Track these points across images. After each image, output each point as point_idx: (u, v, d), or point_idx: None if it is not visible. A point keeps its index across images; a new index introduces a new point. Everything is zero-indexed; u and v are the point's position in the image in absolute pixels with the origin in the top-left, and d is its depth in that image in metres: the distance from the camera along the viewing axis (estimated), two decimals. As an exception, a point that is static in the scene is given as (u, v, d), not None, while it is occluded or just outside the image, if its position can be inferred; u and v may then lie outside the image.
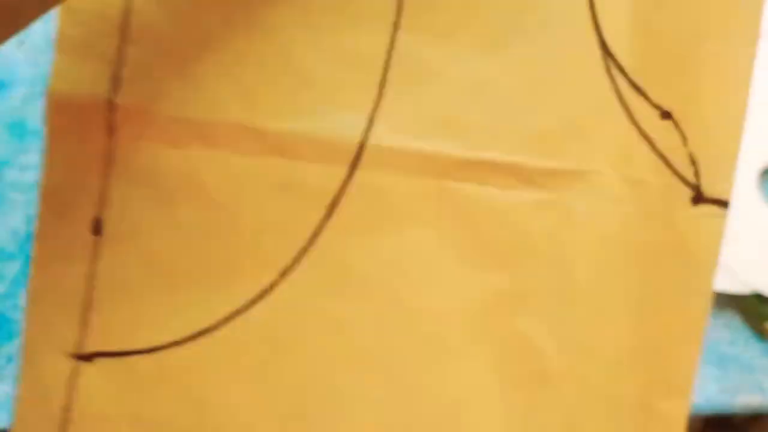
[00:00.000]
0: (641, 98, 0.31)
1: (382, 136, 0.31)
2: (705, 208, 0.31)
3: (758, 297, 0.49)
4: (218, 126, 0.31)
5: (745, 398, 0.47)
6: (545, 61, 0.31)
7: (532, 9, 0.31)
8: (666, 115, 0.31)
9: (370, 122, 0.31)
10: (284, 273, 0.31)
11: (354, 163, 0.31)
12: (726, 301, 0.49)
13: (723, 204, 0.31)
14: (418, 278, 0.31)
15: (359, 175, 0.31)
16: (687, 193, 0.31)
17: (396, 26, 0.32)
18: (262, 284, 0.31)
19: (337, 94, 0.31)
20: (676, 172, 0.31)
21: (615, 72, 0.31)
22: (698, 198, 0.31)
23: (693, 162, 0.31)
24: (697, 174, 0.31)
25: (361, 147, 0.31)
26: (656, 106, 0.31)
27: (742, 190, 0.52)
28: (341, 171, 0.31)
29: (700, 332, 0.32)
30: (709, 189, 0.31)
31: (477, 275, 0.32)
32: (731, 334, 0.49)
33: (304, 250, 0.31)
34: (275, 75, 0.31)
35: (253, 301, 0.31)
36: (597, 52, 0.31)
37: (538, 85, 0.31)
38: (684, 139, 0.31)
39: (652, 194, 0.31)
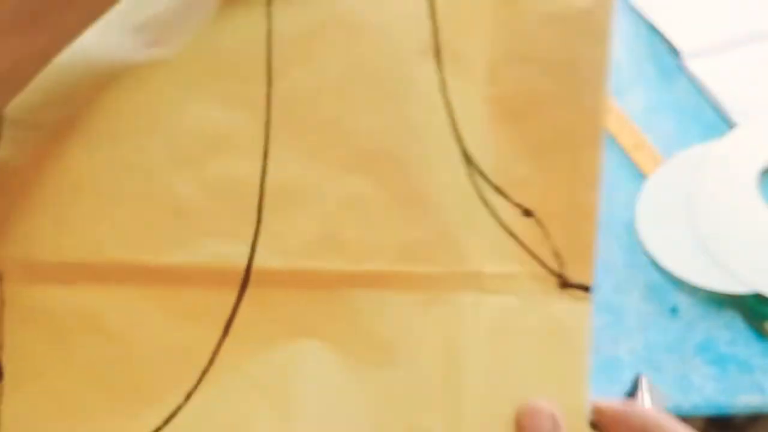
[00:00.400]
0: (502, 199, 0.32)
1: (266, 259, 0.32)
2: (572, 292, 0.33)
3: (758, 297, 0.49)
4: (99, 265, 0.31)
5: (745, 398, 0.47)
6: (412, 174, 0.32)
7: (395, 125, 0.33)
8: (527, 213, 0.32)
9: (253, 248, 0.32)
10: (188, 396, 0.32)
11: (243, 285, 0.32)
12: (726, 301, 0.49)
13: (586, 288, 0.33)
14: (314, 385, 0.32)
15: (250, 293, 0.32)
16: (554, 282, 0.33)
17: (266, 151, 0.32)
18: (169, 408, 0.31)
19: (216, 223, 0.32)
20: (542, 263, 0.32)
21: (477, 178, 0.32)
22: (564, 284, 0.33)
23: (556, 254, 0.32)
24: (561, 264, 0.32)
25: (248, 271, 0.32)
26: (518, 205, 0.32)
27: (742, 190, 0.52)
28: (232, 292, 0.32)
29: (583, 420, 0.33)
30: (573, 276, 0.33)
31: (371, 374, 0.32)
32: (731, 334, 0.49)
33: (205, 371, 0.32)
34: (149, 210, 0.32)
35: (160, 428, 0.31)
36: (459, 160, 0.32)
37: (407, 197, 0.32)
38: (547, 234, 0.32)
39: (524, 284, 0.33)
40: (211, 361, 0.32)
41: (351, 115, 0.33)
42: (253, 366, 0.32)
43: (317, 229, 0.32)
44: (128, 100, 0.32)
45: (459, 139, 0.33)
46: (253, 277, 0.32)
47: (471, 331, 0.32)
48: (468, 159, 0.33)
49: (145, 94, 0.32)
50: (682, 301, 0.48)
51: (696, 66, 0.58)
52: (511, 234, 0.33)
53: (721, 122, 0.56)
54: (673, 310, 0.48)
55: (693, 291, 0.47)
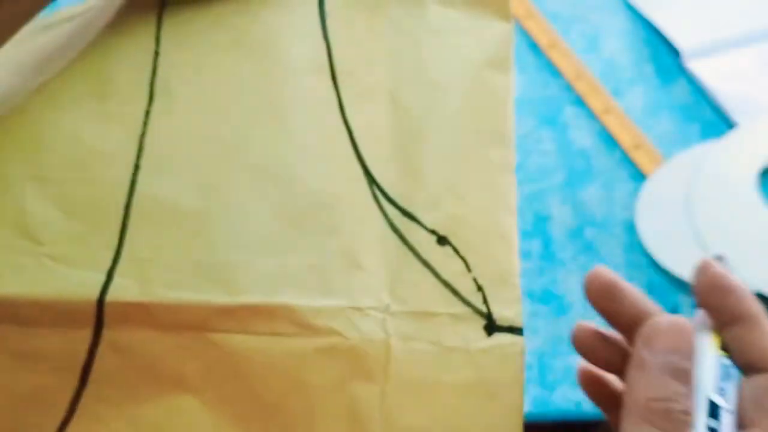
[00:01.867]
0: (414, 224, 0.29)
1: (123, 289, 0.28)
2: (500, 337, 0.28)
3: (758, 297, 0.49)
4: None
5: (745, 398, 0.47)
6: (306, 192, 0.29)
7: (286, 140, 0.30)
8: (442, 240, 0.29)
9: (110, 276, 0.28)
10: None
11: (98, 323, 0.28)
12: (726, 301, 0.49)
13: (517, 331, 0.28)
14: None
15: (108, 335, 0.28)
16: (479, 323, 0.28)
17: (137, 164, 0.30)
18: None
19: (71, 248, 0.29)
20: (465, 301, 0.28)
21: (383, 201, 0.29)
22: (491, 327, 0.28)
23: (480, 288, 0.28)
24: (485, 300, 0.28)
25: (100, 304, 0.28)
26: (431, 231, 0.29)
27: (742, 189, 0.52)
28: (86, 334, 0.28)
29: None
30: (500, 316, 0.28)
31: None
32: (731, 334, 0.49)
33: (65, 423, 0.28)
34: (0, 236, 0.29)
35: None
36: (362, 181, 0.30)
37: (299, 217, 0.29)
38: (466, 265, 0.29)
39: (444, 327, 0.28)
40: (70, 412, 0.28)
41: (236, 130, 0.31)
42: (120, 423, 0.27)
43: (189, 254, 0.28)
44: None
45: (360, 159, 0.30)
46: (109, 314, 0.28)
47: (377, 387, 0.27)
48: (372, 179, 0.30)
49: (16, 114, 0.31)
50: (682, 301, 0.47)
51: (696, 66, 0.58)
52: (426, 264, 0.29)
53: (721, 122, 0.56)
54: (674, 310, 0.48)
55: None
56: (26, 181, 0.30)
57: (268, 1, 0.33)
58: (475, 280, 0.29)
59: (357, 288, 0.28)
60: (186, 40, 0.33)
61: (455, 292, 0.28)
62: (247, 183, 0.30)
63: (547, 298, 0.48)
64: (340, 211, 0.29)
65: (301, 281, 0.28)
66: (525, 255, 0.50)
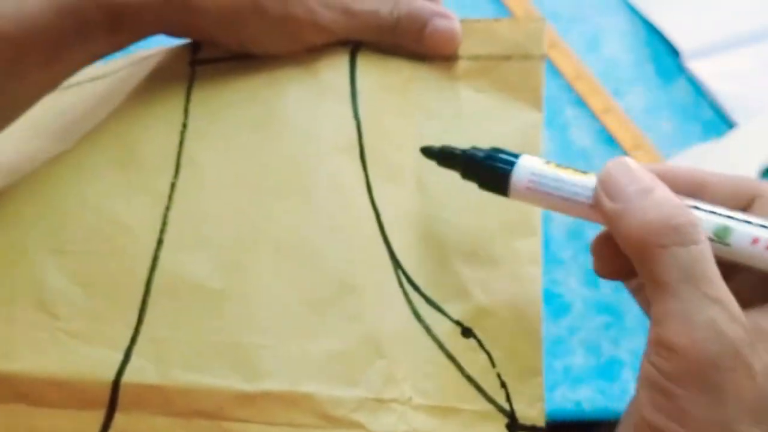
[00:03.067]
0: (439, 314, 0.28)
1: (140, 371, 0.27)
2: None
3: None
4: None
5: (745, 398, 0.47)
6: (331, 273, 0.28)
7: (312, 219, 0.29)
8: (467, 332, 0.28)
9: (127, 356, 0.27)
10: None
11: (111, 407, 0.27)
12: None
13: (539, 430, 0.27)
14: None
15: (118, 420, 0.27)
16: (502, 421, 0.27)
17: (161, 238, 0.29)
18: None
19: (89, 325, 0.28)
20: (488, 398, 0.27)
21: (408, 288, 0.29)
22: (514, 426, 0.27)
23: (503, 385, 0.27)
24: (509, 398, 0.27)
25: (116, 385, 0.27)
26: (456, 323, 0.28)
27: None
28: (98, 417, 0.27)
29: None
30: (522, 414, 0.27)
31: None
32: (731, 334, 0.49)
33: None
34: (17, 309, 0.28)
35: None
36: (389, 265, 0.29)
37: (324, 300, 0.28)
38: (491, 360, 0.28)
39: (466, 424, 0.27)
40: None
41: (262, 208, 0.30)
42: None
43: (210, 335, 0.27)
44: (20, 186, 0.30)
45: (387, 243, 0.29)
46: (123, 396, 0.27)
47: None
48: (398, 264, 0.29)
49: (38, 183, 0.30)
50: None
51: (696, 66, 0.58)
52: (450, 357, 0.28)
53: (721, 122, 0.56)
54: (673, 310, 0.48)
55: (693, 291, 0.47)
56: (46, 252, 0.29)
57: (298, 76, 0.33)
58: (499, 375, 0.28)
59: (380, 378, 0.27)
60: (215, 113, 0.32)
61: (479, 388, 0.28)
62: (270, 263, 0.29)
63: (547, 298, 0.48)
64: (365, 297, 0.28)
65: (323, 369, 0.27)
66: (525, 255, 0.50)
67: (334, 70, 0.33)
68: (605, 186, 0.25)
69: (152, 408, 0.27)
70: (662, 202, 0.23)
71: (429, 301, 0.29)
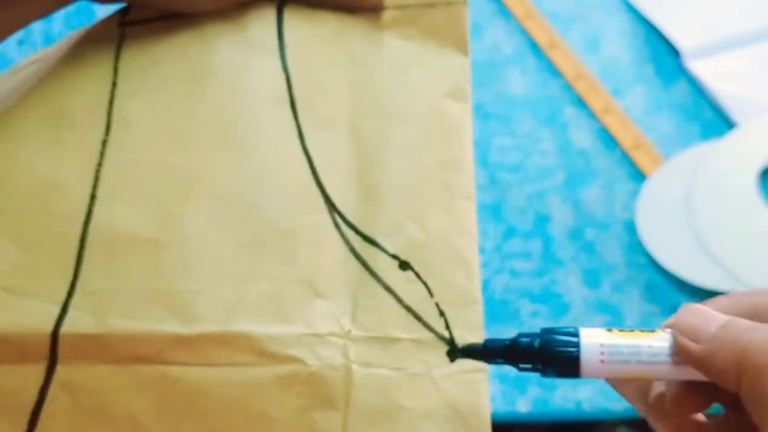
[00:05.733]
0: (375, 249, 0.29)
1: (79, 321, 0.27)
2: (463, 363, 0.28)
3: (758, 297, 0.49)
4: None
5: (745, 398, 0.47)
6: (266, 220, 0.29)
7: (245, 168, 0.30)
8: (404, 265, 0.29)
9: (64, 308, 0.27)
10: None
11: (51, 359, 0.27)
12: (726, 301, 0.49)
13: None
14: None
15: (59, 373, 0.27)
16: (442, 348, 0.28)
17: (93, 193, 0.30)
18: None
19: (26, 282, 0.28)
20: (427, 326, 0.28)
21: (344, 228, 0.30)
22: (454, 352, 0.28)
23: (442, 314, 0.28)
24: (448, 326, 0.28)
25: (55, 338, 0.27)
26: (393, 256, 0.29)
27: (742, 189, 0.52)
28: (38, 370, 0.27)
29: None
30: (462, 341, 0.28)
31: None
32: (731, 334, 0.49)
33: None
34: None
35: None
36: (323, 209, 0.30)
37: (263, 247, 0.29)
38: (429, 290, 0.28)
39: (406, 352, 0.28)
40: None
41: (194, 160, 0.30)
42: None
43: (143, 283, 0.28)
44: None
45: (321, 187, 0.30)
46: (63, 348, 0.27)
47: (339, 414, 0.27)
48: (332, 206, 0.30)
49: None
50: (682, 301, 0.47)
51: (696, 66, 0.58)
52: (388, 289, 0.29)
53: (721, 122, 0.56)
54: (674, 310, 0.48)
55: (693, 291, 0.47)
56: None
57: (226, 32, 0.33)
58: (437, 305, 0.28)
59: (317, 315, 0.28)
60: (144, 71, 0.33)
61: (418, 318, 0.28)
62: (205, 212, 0.29)
63: (547, 298, 0.48)
64: (300, 239, 0.29)
65: (259, 310, 0.28)
66: (525, 255, 0.50)
67: (261, 24, 0.34)
68: (687, 333, 0.25)
69: (92, 357, 0.27)
70: (747, 328, 0.24)
71: (365, 237, 0.30)
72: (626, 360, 0.25)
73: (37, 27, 0.40)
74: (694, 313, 0.26)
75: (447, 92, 0.32)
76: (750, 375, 0.23)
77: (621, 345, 0.25)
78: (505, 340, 0.27)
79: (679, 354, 0.25)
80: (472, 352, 0.28)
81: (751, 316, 0.26)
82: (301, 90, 0.32)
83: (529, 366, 0.26)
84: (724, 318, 0.25)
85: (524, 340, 0.26)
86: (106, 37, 0.34)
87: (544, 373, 0.26)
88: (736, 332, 0.24)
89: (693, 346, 0.25)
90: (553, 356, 0.25)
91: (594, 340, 0.25)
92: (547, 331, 0.26)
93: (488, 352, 0.27)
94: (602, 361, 0.25)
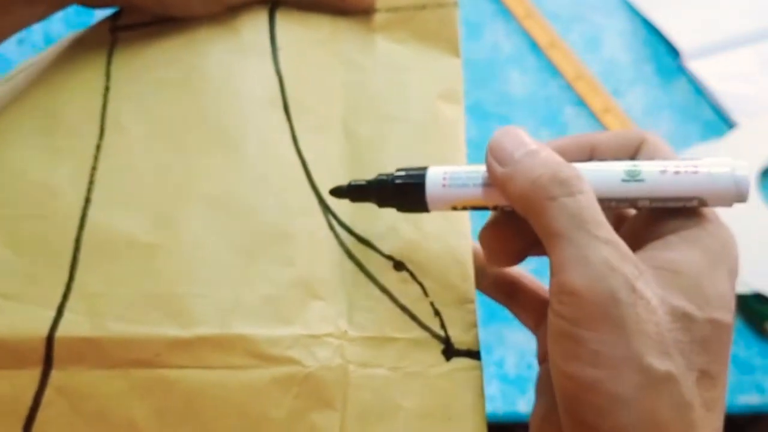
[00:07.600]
0: (371, 250, 0.29)
1: (74, 325, 0.27)
2: (459, 362, 0.28)
3: (758, 297, 0.49)
4: None
5: (744, 398, 0.47)
6: (260, 222, 0.29)
7: (239, 171, 0.30)
8: (399, 265, 0.29)
9: (60, 312, 0.27)
10: None
11: (47, 363, 0.27)
12: (726, 301, 0.49)
13: (475, 355, 0.28)
14: None
15: (55, 377, 0.27)
16: (438, 347, 0.28)
17: (88, 197, 0.30)
18: None
19: (21, 286, 0.28)
20: (423, 326, 0.28)
21: (339, 229, 0.30)
22: (449, 351, 0.28)
23: (437, 313, 0.28)
24: (443, 325, 0.28)
25: (50, 342, 0.27)
26: (388, 257, 0.29)
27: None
28: (33, 375, 0.27)
29: None
30: (458, 340, 0.28)
31: None
32: (731, 334, 0.49)
33: None
34: None
35: None
36: (318, 211, 0.30)
37: (259, 250, 0.29)
38: (423, 290, 0.29)
39: (402, 352, 0.28)
40: None
41: (189, 163, 0.30)
42: None
43: (141, 286, 0.28)
44: None
45: (315, 189, 0.30)
46: (58, 352, 0.27)
47: (337, 414, 0.27)
48: (327, 208, 0.30)
49: None
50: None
51: (696, 66, 0.58)
52: (383, 290, 0.29)
53: (721, 122, 0.56)
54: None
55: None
56: None
57: (218, 35, 0.33)
58: (432, 304, 0.29)
59: (314, 317, 0.28)
60: (137, 75, 0.33)
61: (413, 317, 0.28)
62: (200, 215, 0.30)
63: (546, 298, 0.48)
64: (296, 241, 0.29)
65: (256, 312, 0.28)
66: (525, 255, 0.50)
67: (253, 27, 0.34)
68: (494, 153, 0.25)
69: (88, 362, 0.27)
70: (548, 160, 0.24)
71: (360, 239, 0.30)
72: (464, 184, 0.26)
73: (37, 27, 0.40)
74: (507, 134, 0.26)
75: (440, 94, 0.32)
76: (539, 207, 0.24)
77: (461, 171, 0.26)
78: (365, 180, 0.29)
79: (488, 175, 0.26)
80: (337, 192, 0.29)
81: (588, 154, 0.27)
82: (294, 93, 0.32)
83: (390, 204, 0.28)
84: (532, 146, 0.25)
85: (382, 177, 0.28)
86: (98, 41, 0.34)
87: (399, 207, 0.28)
88: (533, 163, 0.24)
89: (497, 167, 0.25)
90: (403, 185, 0.27)
91: (439, 169, 0.27)
92: (401, 169, 0.28)
93: (352, 189, 0.29)
94: (444, 185, 0.26)
